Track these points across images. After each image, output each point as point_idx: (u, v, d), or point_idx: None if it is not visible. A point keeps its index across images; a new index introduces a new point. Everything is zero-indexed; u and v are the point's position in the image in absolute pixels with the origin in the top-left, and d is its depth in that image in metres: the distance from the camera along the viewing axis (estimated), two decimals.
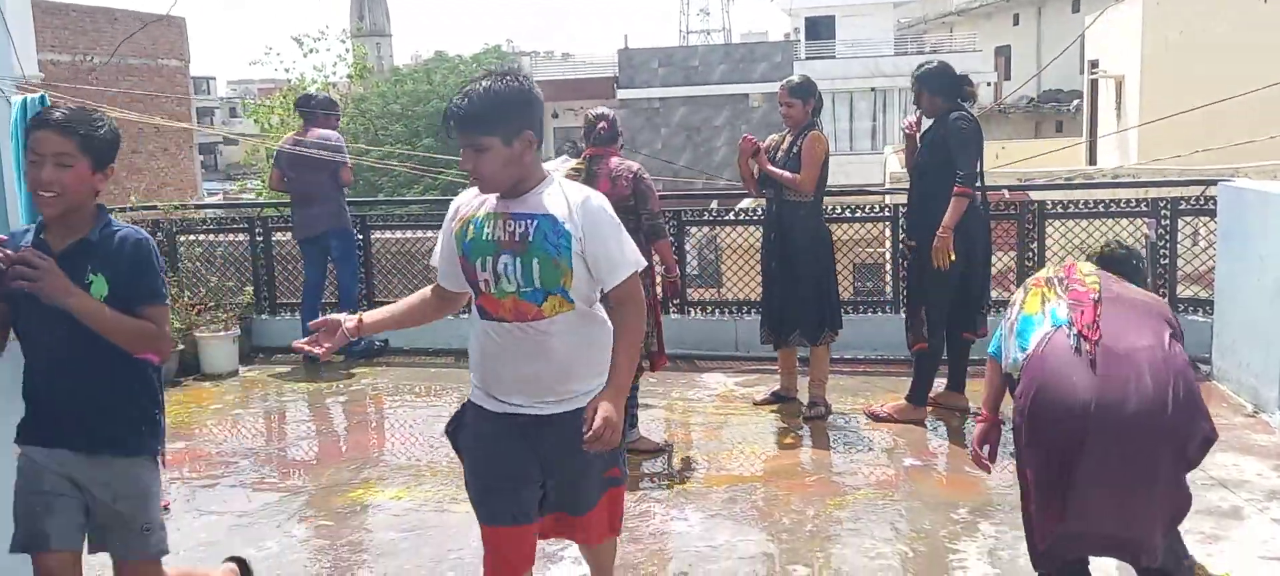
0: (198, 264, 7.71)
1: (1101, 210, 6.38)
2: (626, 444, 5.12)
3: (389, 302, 7.52)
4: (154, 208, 8.10)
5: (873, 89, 33.17)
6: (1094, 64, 21.00)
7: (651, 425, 5.54)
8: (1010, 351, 3.05)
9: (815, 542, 3.94)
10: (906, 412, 5.26)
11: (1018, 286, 3.16)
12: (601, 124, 5.01)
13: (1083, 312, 2.91)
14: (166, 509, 4.41)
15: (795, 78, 5.49)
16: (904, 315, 5.57)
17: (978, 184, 5.06)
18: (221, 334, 6.97)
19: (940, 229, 4.95)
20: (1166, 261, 6.32)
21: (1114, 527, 2.85)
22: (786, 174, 5.31)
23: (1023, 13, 38.15)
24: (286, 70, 34.36)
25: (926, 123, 5.32)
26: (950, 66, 5.29)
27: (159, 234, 7.78)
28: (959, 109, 5.14)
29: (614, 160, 4.98)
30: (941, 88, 5.17)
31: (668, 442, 5.22)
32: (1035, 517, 2.97)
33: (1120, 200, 6.46)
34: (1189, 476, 4.37)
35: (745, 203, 9.18)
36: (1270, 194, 5.15)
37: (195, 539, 4.20)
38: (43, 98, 3.38)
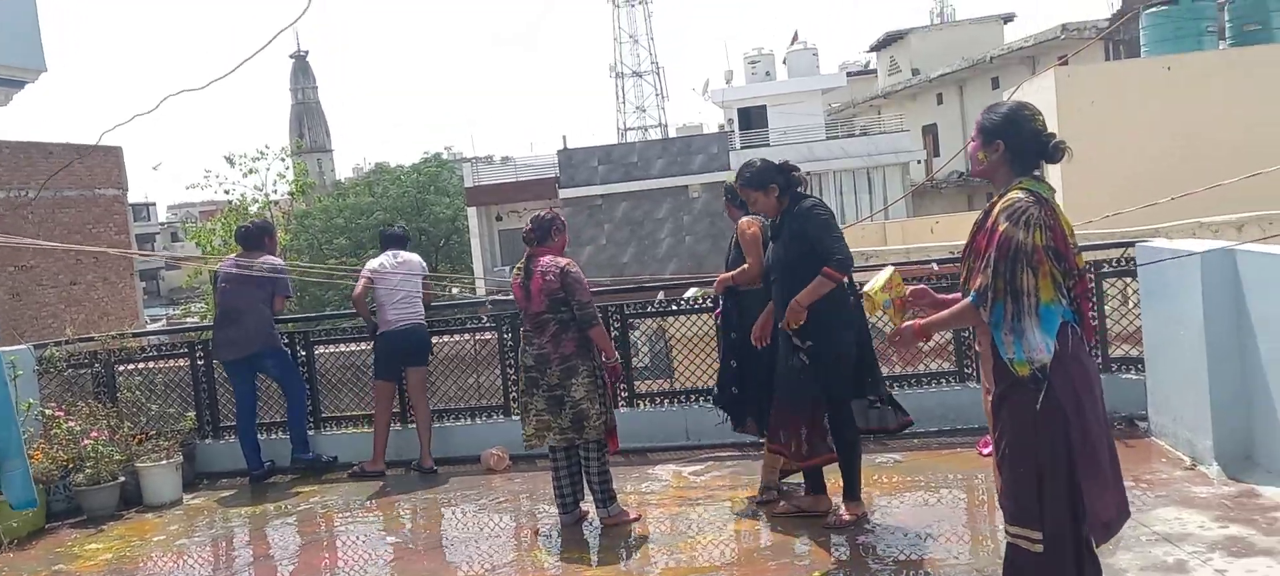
0: (138, 392, 7.59)
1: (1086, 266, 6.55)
2: (610, 517, 5.27)
3: (337, 419, 7.54)
4: (90, 339, 7.98)
5: (808, 173, 33.72)
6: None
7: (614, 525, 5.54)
8: (1033, 335, 3.09)
9: None
10: (854, 510, 4.98)
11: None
12: (527, 230, 5.43)
13: (1088, 314, 3.21)
14: None
15: (735, 174, 5.36)
16: (805, 429, 5.01)
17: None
18: (164, 463, 6.83)
19: (794, 299, 4.75)
20: (1095, 322, 6.51)
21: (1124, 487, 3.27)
22: (731, 274, 5.45)
23: (945, 93, 39.54)
24: (226, 191, 34.34)
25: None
26: (769, 160, 5.16)
27: (97, 365, 7.66)
28: (801, 197, 5.03)
29: (547, 257, 5.33)
30: (778, 182, 5.02)
31: (637, 517, 5.44)
32: (1101, 493, 3.12)
33: None
34: (1133, 532, 4.50)
35: (691, 292, 9.29)
36: (1183, 251, 5.36)
37: None
38: None
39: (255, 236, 7.27)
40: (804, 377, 4.89)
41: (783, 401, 5.03)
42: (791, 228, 4.94)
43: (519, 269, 5.41)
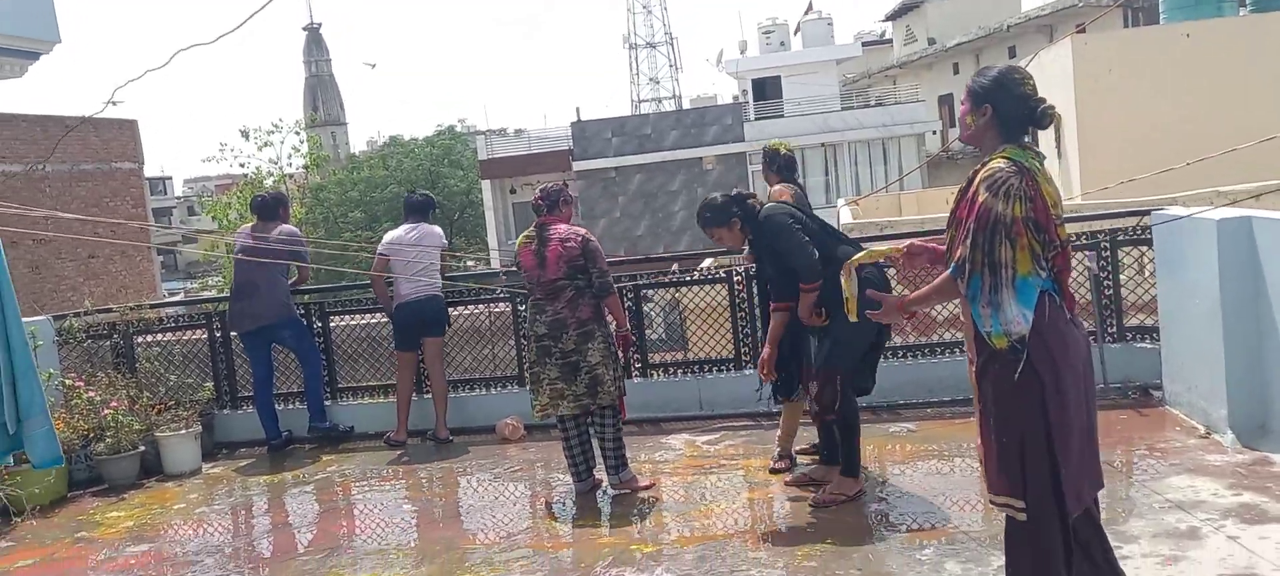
0: (156, 363, 7.67)
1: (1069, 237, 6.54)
2: (623, 482, 5.32)
3: (353, 389, 7.61)
4: (109, 310, 8.05)
5: (823, 144, 33.79)
6: None
7: (622, 488, 5.58)
8: (1010, 308, 3.07)
9: None
10: (845, 486, 4.96)
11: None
12: (538, 198, 5.50)
13: (1067, 284, 3.18)
14: None
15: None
16: (811, 387, 5.07)
17: (819, 271, 4.81)
18: (182, 432, 6.90)
19: (801, 316, 4.90)
20: (1110, 292, 6.49)
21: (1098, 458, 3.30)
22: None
23: (961, 62, 39.21)
24: (242, 165, 34.50)
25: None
26: (722, 196, 5.18)
27: (115, 336, 7.74)
28: (754, 211, 5.08)
29: (562, 226, 5.40)
30: (738, 213, 5.08)
31: (649, 485, 5.48)
32: (1073, 462, 3.12)
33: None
34: (1146, 500, 4.50)
35: (707, 262, 9.30)
36: (1200, 219, 5.33)
37: None
38: None
39: (271, 207, 7.29)
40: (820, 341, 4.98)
41: (807, 358, 5.17)
42: (761, 244, 5.10)
43: (529, 237, 5.42)
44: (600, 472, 5.56)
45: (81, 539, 5.68)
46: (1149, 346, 6.30)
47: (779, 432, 5.64)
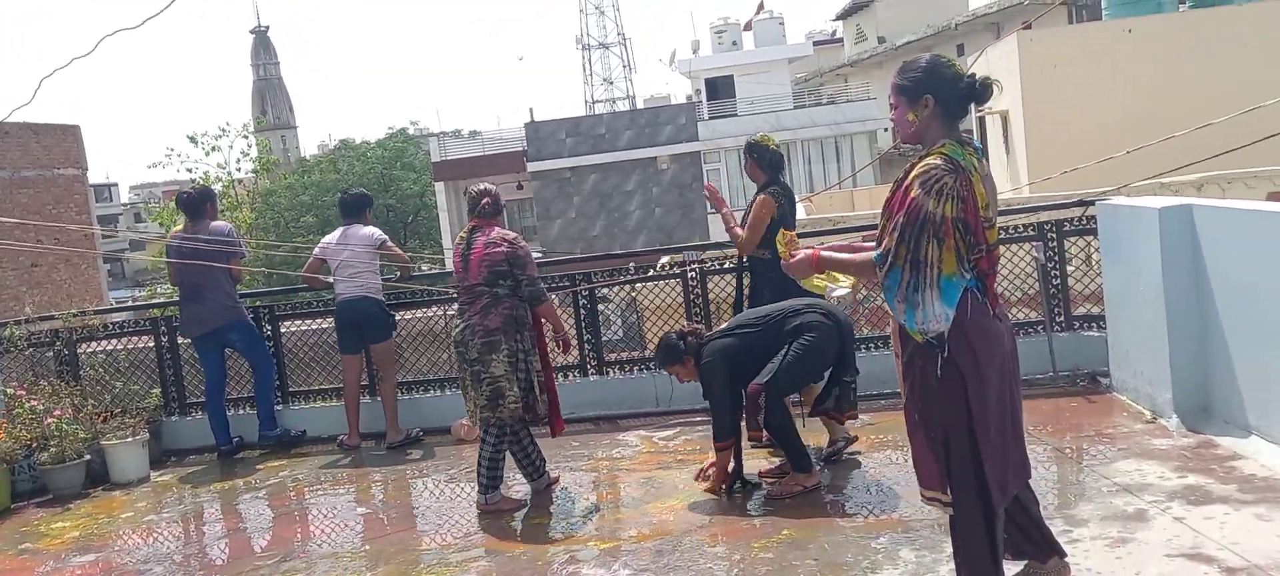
0: (101, 371, 7.50)
1: (1000, 237, 6.63)
2: (491, 505, 5.15)
3: (305, 393, 7.50)
4: (51, 317, 7.87)
5: (777, 144, 33.95)
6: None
7: (578, 485, 5.56)
8: (931, 306, 3.06)
9: None
10: (797, 480, 4.99)
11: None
12: (485, 199, 5.30)
13: (992, 282, 3.20)
14: None
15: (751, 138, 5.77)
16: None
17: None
18: (129, 440, 6.76)
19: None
20: (1058, 282, 6.60)
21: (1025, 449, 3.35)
22: (731, 225, 5.61)
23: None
24: (189, 170, 33.95)
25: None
26: (669, 334, 5.30)
27: (59, 344, 7.57)
28: (698, 349, 5.17)
29: (495, 230, 5.25)
30: (688, 352, 5.15)
31: (523, 502, 5.33)
32: (994, 455, 3.14)
33: (1010, 226, 6.73)
34: (1095, 484, 4.58)
35: (663, 260, 9.31)
36: (1141, 208, 5.43)
37: None
38: None
39: (197, 204, 7.08)
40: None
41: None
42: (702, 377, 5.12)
43: (461, 237, 5.32)
44: (555, 471, 5.53)
45: (25, 551, 5.54)
46: (1096, 334, 6.41)
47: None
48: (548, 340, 5.44)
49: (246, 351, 7.09)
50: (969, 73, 3.21)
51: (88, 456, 6.65)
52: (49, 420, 6.61)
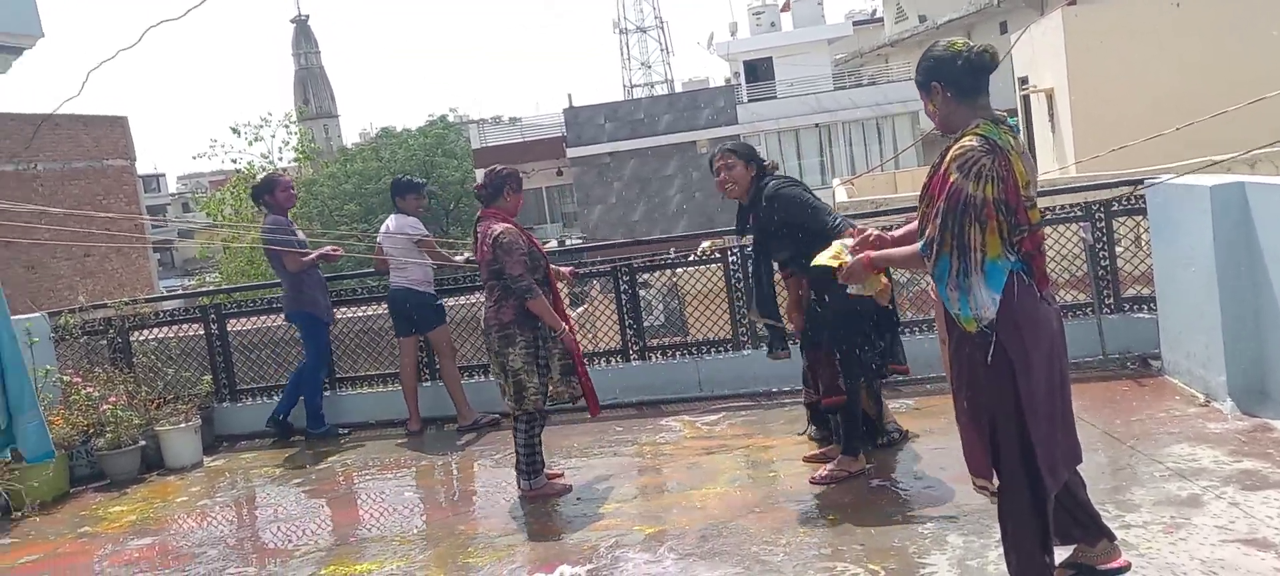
0: (153, 358, 7.65)
1: (1043, 218, 6.54)
2: (536, 491, 5.16)
3: (351, 378, 7.59)
4: (105, 306, 8.03)
5: (816, 125, 33.75)
6: (1023, 80, 21.57)
7: (622, 470, 5.58)
8: (980, 292, 3.05)
9: (789, 571, 3.97)
10: (846, 465, 4.93)
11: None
12: (478, 188, 5.31)
13: (1040, 263, 3.15)
14: None
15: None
16: (805, 369, 5.24)
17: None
18: (182, 426, 6.90)
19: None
20: (1106, 263, 6.49)
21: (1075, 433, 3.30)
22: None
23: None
24: (233, 160, 34.43)
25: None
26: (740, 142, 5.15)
27: (112, 332, 7.73)
28: (766, 174, 5.02)
29: (491, 222, 5.20)
30: (756, 167, 5.01)
31: (568, 487, 5.34)
32: (1043, 440, 3.10)
33: (1057, 207, 6.63)
34: (1146, 469, 4.52)
35: (704, 244, 9.29)
36: (1193, 186, 5.33)
37: None
38: None
39: (260, 194, 7.24)
40: (822, 322, 4.93)
41: (808, 343, 5.13)
42: (767, 213, 4.95)
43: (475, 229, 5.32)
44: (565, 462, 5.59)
45: (84, 534, 5.68)
46: (1146, 316, 6.30)
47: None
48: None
49: (302, 342, 7.18)
50: (965, 46, 3.20)
51: (142, 442, 6.79)
52: (104, 406, 6.76)
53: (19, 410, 3.50)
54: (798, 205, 4.86)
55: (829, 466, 4.97)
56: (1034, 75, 20.69)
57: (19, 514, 6.01)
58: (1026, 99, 21.47)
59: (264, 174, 32.08)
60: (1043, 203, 6.54)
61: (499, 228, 5.13)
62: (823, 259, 3.83)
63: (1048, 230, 6.48)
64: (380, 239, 7.13)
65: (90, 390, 6.91)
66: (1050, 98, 19.66)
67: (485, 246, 5.12)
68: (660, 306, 8.65)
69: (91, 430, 6.73)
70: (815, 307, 4.98)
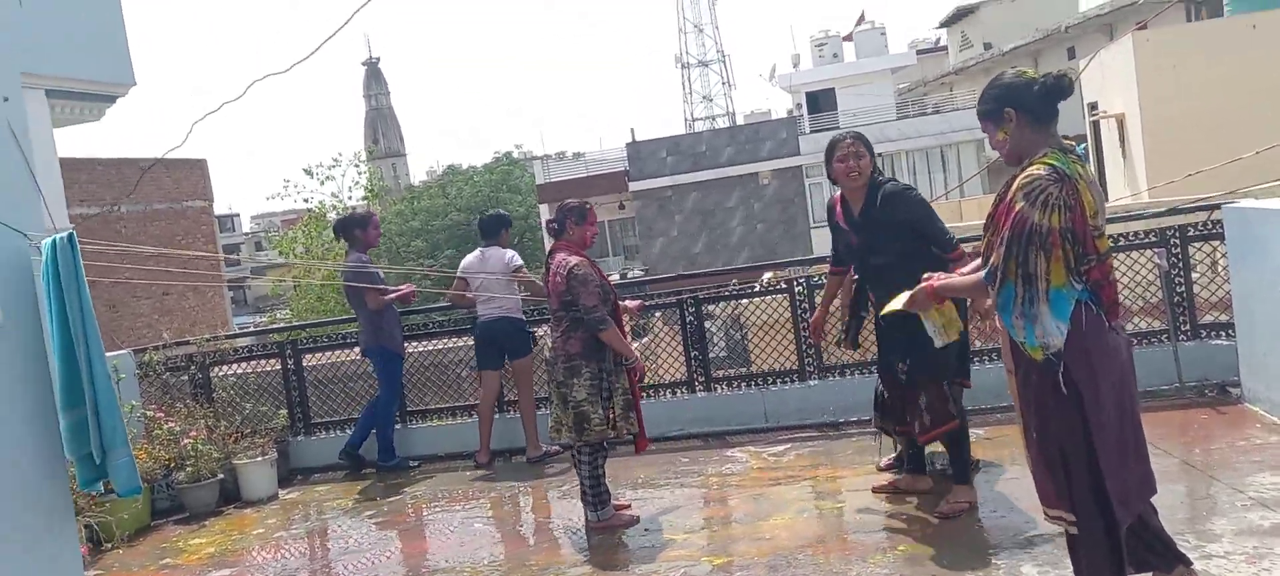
0: (232, 393, 7.88)
1: (1111, 247, 6.43)
2: (604, 522, 5.19)
3: (421, 411, 7.72)
4: (187, 343, 8.30)
5: (880, 154, 33.37)
6: (1093, 106, 21.19)
7: (689, 502, 5.59)
8: (1046, 321, 3.02)
9: None
10: (965, 494, 4.81)
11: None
12: (552, 223, 5.41)
13: (1109, 293, 3.11)
14: None
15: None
16: (883, 400, 5.08)
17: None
18: (259, 459, 7.08)
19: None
20: (1182, 289, 6.35)
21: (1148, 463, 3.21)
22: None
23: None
24: (305, 199, 35.30)
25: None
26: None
27: (193, 368, 7.98)
28: (880, 174, 4.92)
29: (561, 255, 5.29)
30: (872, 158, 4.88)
31: (635, 518, 5.36)
32: (1114, 470, 3.05)
33: (1129, 233, 6.52)
34: (1227, 499, 4.40)
35: (766, 276, 9.29)
36: (1272, 210, 5.20)
37: None
38: (71, 234, 3.55)
39: (350, 228, 7.41)
40: (915, 357, 4.72)
41: (894, 378, 4.92)
42: (881, 214, 4.79)
43: (545, 264, 5.43)
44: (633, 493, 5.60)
45: (166, 565, 5.85)
46: (1225, 343, 6.15)
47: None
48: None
49: (377, 378, 7.33)
50: (1041, 75, 3.20)
51: (221, 475, 6.99)
52: (185, 441, 6.97)
53: (112, 446, 3.64)
54: (921, 207, 4.81)
55: (950, 501, 4.77)
56: (1104, 100, 20.33)
57: (107, 546, 6.21)
58: (1096, 124, 21.08)
59: (334, 216, 32.71)
60: (1115, 229, 6.43)
61: (573, 260, 5.23)
62: (894, 305, 3.81)
63: (1121, 257, 6.37)
64: (464, 272, 7.25)
65: (172, 425, 7.14)
66: (1121, 123, 19.28)
67: (558, 277, 5.20)
68: (722, 338, 8.65)
69: (172, 464, 6.94)
70: (903, 346, 4.76)
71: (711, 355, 7.44)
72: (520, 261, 7.20)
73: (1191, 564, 3.38)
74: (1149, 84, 17.29)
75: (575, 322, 5.17)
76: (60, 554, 3.68)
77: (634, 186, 34.39)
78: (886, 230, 4.78)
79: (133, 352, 8.09)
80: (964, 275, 3.54)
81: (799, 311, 7.02)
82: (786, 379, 7.09)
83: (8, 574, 3.45)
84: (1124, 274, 6.40)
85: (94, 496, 5.95)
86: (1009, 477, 5.19)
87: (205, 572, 5.61)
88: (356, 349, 7.54)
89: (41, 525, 3.60)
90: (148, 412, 7.37)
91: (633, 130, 70.39)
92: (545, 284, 5.40)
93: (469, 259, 7.34)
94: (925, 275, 3.67)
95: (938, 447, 5.24)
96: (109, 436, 3.73)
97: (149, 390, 7.92)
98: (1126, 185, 18.01)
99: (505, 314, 7.09)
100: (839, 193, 5.06)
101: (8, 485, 3.47)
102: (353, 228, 7.38)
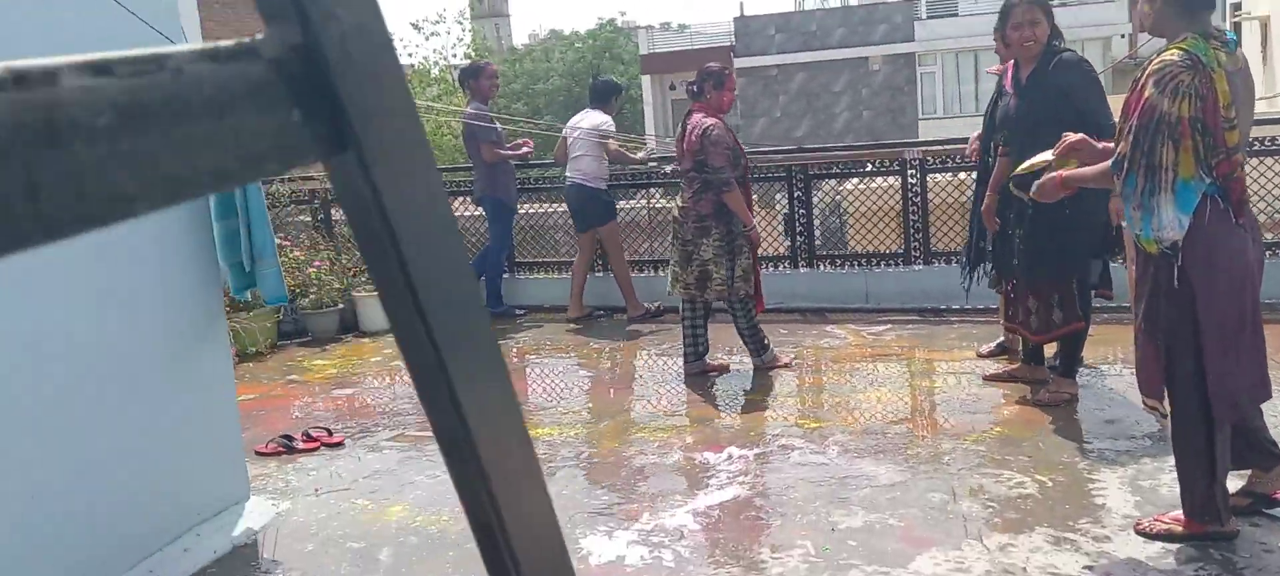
0: (350, 230, 8.22)
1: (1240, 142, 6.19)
2: (764, 364, 5.51)
3: (528, 263, 7.99)
4: (311, 178, 8.65)
5: None
6: (1237, 6, 20.01)
7: (784, 372, 5.73)
8: (1165, 212, 2.97)
9: (953, 474, 4.06)
10: (1067, 386, 4.75)
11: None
12: (692, 85, 5.48)
13: (1239, 189, 3.04)
14: (341, 444, 4.85)
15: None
16: (1032, 300, 4.71)
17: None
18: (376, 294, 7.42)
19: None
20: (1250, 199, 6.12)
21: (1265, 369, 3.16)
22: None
23: None
24: (408, 55, 35.68)
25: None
26: None
27: (315, 203, 8.35)
28: (1060, 40, 4.58)
29: (698, 115, 5.39)
30: (1049, 24, 4.53)
31: (726, 366, 5.74)
32: (1219, 368, 3.03)
33: (1265, 139, 6.26)
34: None
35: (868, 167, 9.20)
36: None
37: (370, 469, 4.59)
38: None
39: (466, 78, 7.63)
40: (1045, 249, 4.53)
41: (1022, 273, 4.70)
42: (1050, 79, 4.51)
43: (681, 124, 5.56)
44: (729, 357, 5.86)
45: (292, 381, 6.28)
46: None
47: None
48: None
49: (488, 225, 7.56)
50: None
51: (341, 305, 7.38)
52: (309, 270, 7.36)
53: (261, 255, 3.93)
54: (1094, 83, 4.57)
55: (1047, 389, 4.77)
56: (1248, 1, 19.18)
57: (238, 359, 6.67)
58: (1238, 26, 19.91)
59: (437, 73, 32.92)
60: (1254, 132, 6.20)
61: (709, 121, 5.35)
62: (1028, 165, 3.80)
63: (1255, 163, 6.15)
64: (566, 132, 7.40)
65: (298, 254, 7.52)
66: (1264, 26, 18.20)
67: (693, 137, 5.32)
68: (819, 224, 8.63)
69: (298, 290, 7.34)
70: (1039, 238, 4.53)
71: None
72: (611, 127, 7.26)
73: None
74: None
75: (706, 184, 5.31)
76: (214, 354, 4.02)
77: (739, 62, 33.76)
78: (1051, 95, 4.45)
79: (259, 185, 8.45)
80: (1093, 167, 3.49)
81: (909, 195, 6.98)
82: (890, 261, 7.11)
83: (167, 368, 3.79)
84: (1263, 183, 6.19)
85: (237, 305, 6.33)
86: (1115, 374, 5.19)
87: (328, 389, 6.01)
88: (470, 198, 7.78)
89: (198, 326, 3.92)
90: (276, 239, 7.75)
91: (742, 3, 68.52)
92: (679, 145, 5.51)
93: (573, 118, 7.48)
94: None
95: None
96: (259, 246, 4.03)
97: (275, 220, 8.29)
98: (1266, 88, 17.10)
99: (581, 180, 7.15)
100: (1012, 63, 4.76)
101: (168, 287, 3.78)
102: (469, 77, 7.57)
